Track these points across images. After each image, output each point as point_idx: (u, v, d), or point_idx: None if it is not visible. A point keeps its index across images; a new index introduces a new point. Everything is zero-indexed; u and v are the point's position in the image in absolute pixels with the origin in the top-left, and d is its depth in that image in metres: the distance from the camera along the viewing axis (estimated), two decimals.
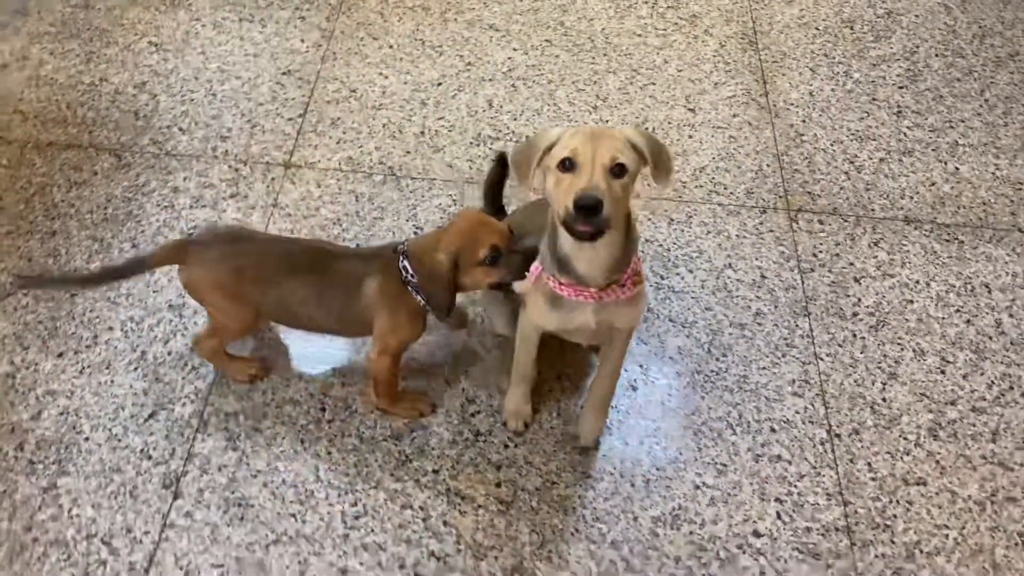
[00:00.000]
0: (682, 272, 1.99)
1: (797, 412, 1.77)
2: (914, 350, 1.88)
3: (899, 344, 1.89)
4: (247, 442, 1.65)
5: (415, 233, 2.03)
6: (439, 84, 2.39)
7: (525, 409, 1.71)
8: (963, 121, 2.37)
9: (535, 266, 1.44)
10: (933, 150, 2.29)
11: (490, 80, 2.40)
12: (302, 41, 2.48)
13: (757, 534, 1.60)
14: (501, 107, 2.33)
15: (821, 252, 2.05)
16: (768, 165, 2.23)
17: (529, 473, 1.64)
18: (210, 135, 2.22)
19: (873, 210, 2.14)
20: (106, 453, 1.63)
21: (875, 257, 2.04)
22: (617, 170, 1.26)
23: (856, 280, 2.00)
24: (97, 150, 2.17)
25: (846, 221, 2.12)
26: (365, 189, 2.12)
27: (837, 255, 2.05)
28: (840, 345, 1.88)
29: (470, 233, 1.47)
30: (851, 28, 2.64)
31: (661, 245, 2.03)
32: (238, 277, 1.46)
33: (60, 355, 1.77)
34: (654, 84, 2.42)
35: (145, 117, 2.26)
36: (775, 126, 2.33)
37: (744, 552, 1.57)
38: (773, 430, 1.74)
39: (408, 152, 2.21)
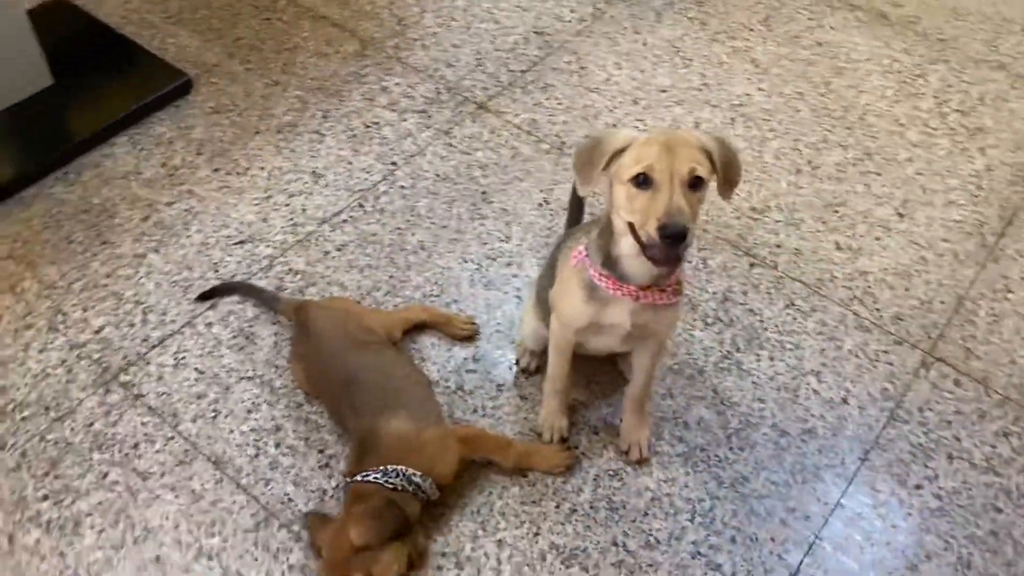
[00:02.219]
0: (762, 355, 1.89)
1: (773, 539, 1.63)
2: (960, 558, 1.62)
3: (946, 543, 1.64)
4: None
5: (540, 205, 2.14)
6: (663, 91, 2.45)
7: (561, 421, 1.72)
8: None
9: (579, 249, 1.44)
10: None
11: (714, 106, 2.42)
12: (572, 11, 2.67)
13: None
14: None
15: (931, 411, 1.81)
16: (942, 303, 2.00)
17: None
18: (440, 58, 2.53)
19: None
20: (192, 254, 2.01)
21: (992, 447, 1.77)
22: (695, 183, 1.25)
23: (949, 458, 1.75)
24: (352, 35, 2.58)
25: (988, 396, 1.84)
26: (527, 151, 2.28)
27: (948, 422, 1.80)
28: (875, 507, 1.68)
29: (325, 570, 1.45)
30: None
31: (761, 320, 1.94)
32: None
33: (215, 169, 2.19)
34: (879, 175, 2.26)
35: (404, 24, 2.62)
36: (985, 269, 2.07)
37: None
38: (733, 540, 1.63)
39: (588, 137, 2.33)
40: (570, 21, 2.64)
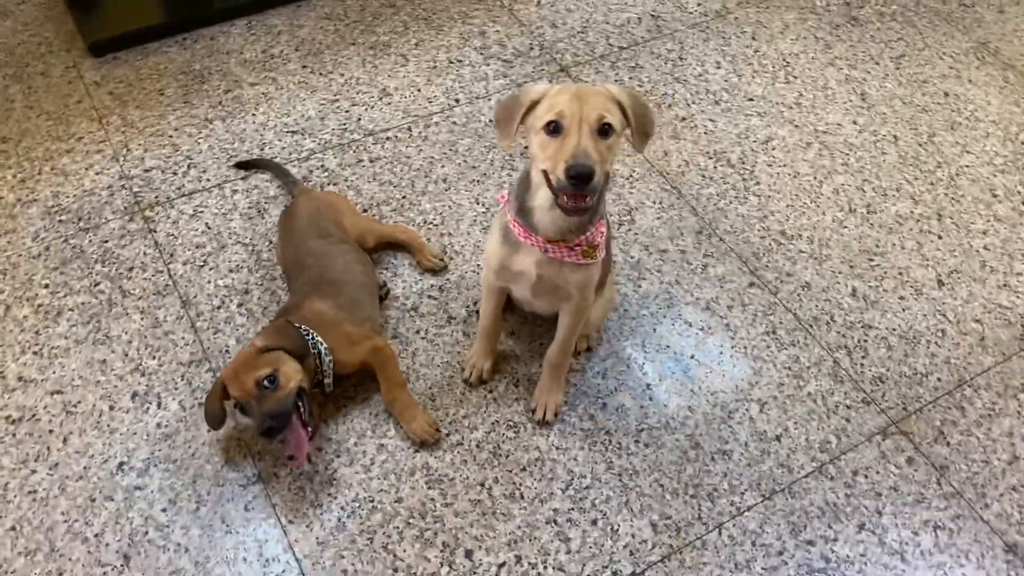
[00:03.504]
0: (715, 370, 1.87)
1: (633, 537, 1.64)
2: None
3: None
4: None
5: None
6: (750, 100, 2.42)
7: (484, 362, 1.77)
8: None
9: (503, 194, 1.52)
10: None
11: (796, 126, 2.35)
12: (699, 4, 2.67)
13: (468, 554, 1.60)
14: (772, 149, 2.30)
15: (866, 478, 1.73)
16: (939, 379, 1.87)
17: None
18: (548, 17, 2.62)
19: (986, 507, 1.70)
20: (250, 131, 2.26)
21: (915, 535, 1.66)
22: (604, 129, 1.28)
23: (860, 527, 1.67)
24: None
25: (938, 486, 1.73)
26: None
27: (879, 495, 1.71)
28: (753, 544, 1.63)
29: (232, 372, 1.55)
30: None
31: (733, 336, 1.91)
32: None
33: (304, 66, 2.43)
34: (940, 238, 2.12)
35: None
36: (1009, 362, 1.91)
37: (442, 550, 1.60)
38: (594, 522, 1.65)
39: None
40: (692, 12, 2.64)
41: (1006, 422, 1.79)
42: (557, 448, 1.71)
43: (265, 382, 1.51)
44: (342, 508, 1.60)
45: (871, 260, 2.04)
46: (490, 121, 2.28)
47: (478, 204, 2.10)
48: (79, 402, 1.72)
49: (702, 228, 2.08)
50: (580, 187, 1.24)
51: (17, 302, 1.87)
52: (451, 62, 2.43)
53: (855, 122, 2.34)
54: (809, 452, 1.72)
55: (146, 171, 2.12)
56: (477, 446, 1.70)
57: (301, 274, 1.75)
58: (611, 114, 1.29)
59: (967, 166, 2.26)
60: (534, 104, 1.33)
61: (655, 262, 2.00)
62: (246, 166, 2.11)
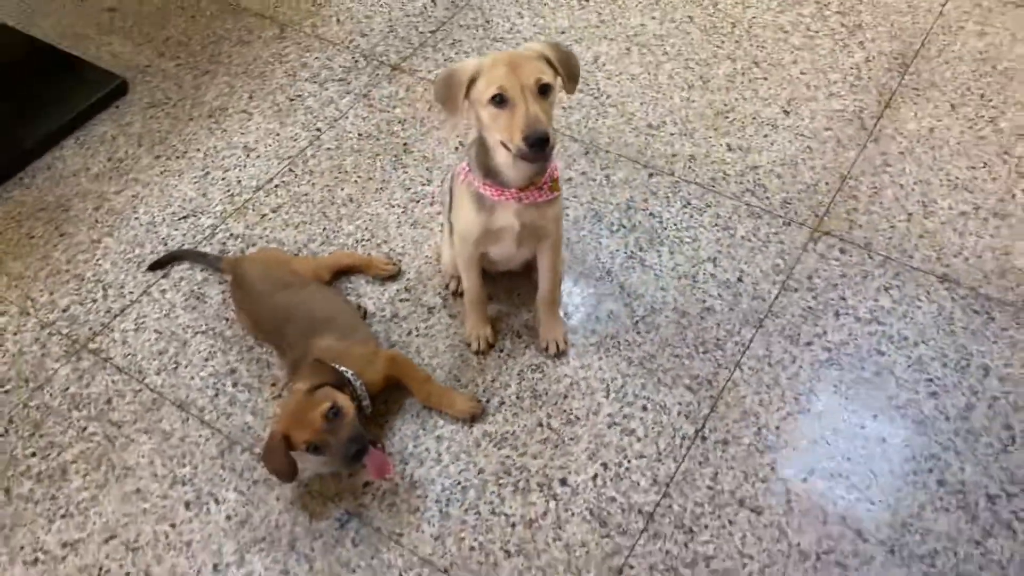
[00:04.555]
0: (662, 251, 2.10)
1: (679, 403, 1.84)
2: (845, 396, 1.83)
3: (835, 387, 1.85)
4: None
5: (457, 148, 2.35)
6: (563, 32, 2.65)
7: (484, 330, 1.90)
8: None
9: (462, 167, 1.61)
10: None
11: (611, 39, 2.61)
12: None
13: (563, 482, 1.74)
14: (603, 65, 2.55)
15: (819, 278, 2.02)
16: (827, 184, 2.21)
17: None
18: (354, 29, 2.73)
19: (911, 258, 2.04)
20: (142, 234, 2.22)
21: (876, 301, 1.97)
22: (543, 89, 1.41)
23: (836, 315, 1.96)
24: (271, 20, 2.78)
25: (871, 258, 2.05)
26: None
27: (835, 285, 2.01)
28: (771, 365, 1.89)
29: (291, 419, 1.58)
30: None
31: (661, 221, 2.15)
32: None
33: (156, 156, 2.40)
34: (765, 79, 2.46)
35: (318, 4, 2.82)
36: (865, 149, 2.27)
37: (541, 490, 1.73)
38: (644, 408, 1.84)
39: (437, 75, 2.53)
40: None
41: (889, 193, 2.17)
42: (581, 368, 1.89)
43: (330, 415, 1.58)
44: (437, 501, 1.70)
45: (727, 118, 2.36)
46: (361, 135, 2.38)
47: (393, 207, 2.21)
48: (138, 536, 1.70)
49: (587, 149, 2.31)
50: (540, 149, 1.38)
51: (14, 481, 1.79)
52: (292, 99, 2.50)
53: (653, 17, 2.66)
54: (768, 279, 2.01)
55: (64, 311, 2.06)
56: (517, 398, 1.85)
57: (288, 327, 1.80)
58: (545, 73, 1.41)
59: (753, 18, 2.63)
60: (472, 79, 1.44)
61: (567, 192, 2.21)
62: (160, 265, 2.11)
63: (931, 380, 1.82)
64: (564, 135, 2.33)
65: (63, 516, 1.73)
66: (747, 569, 1.60)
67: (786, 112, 2.36)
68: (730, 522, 1.65)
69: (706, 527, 1.65)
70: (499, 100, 1.40)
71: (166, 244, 2.16)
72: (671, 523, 1.65)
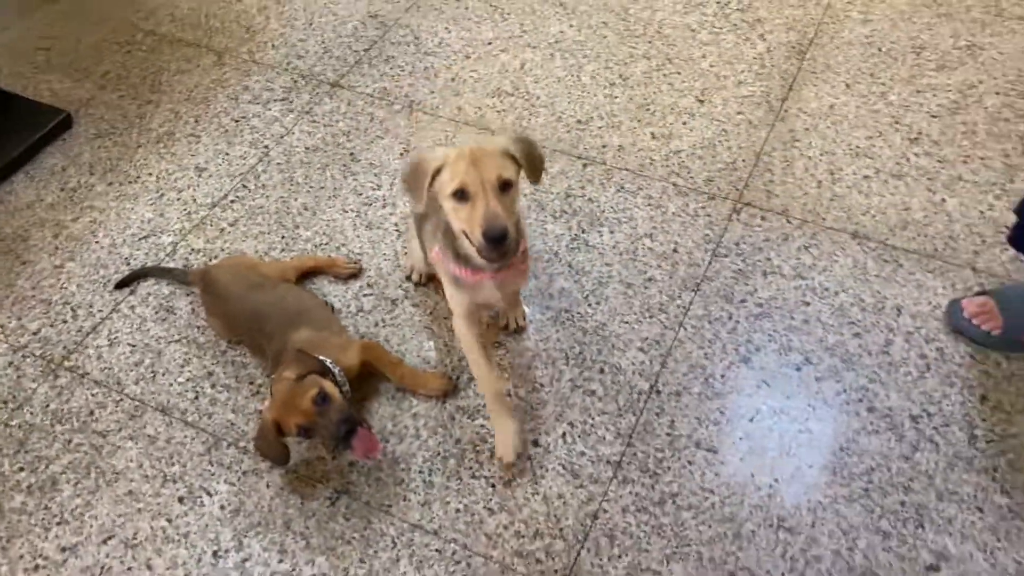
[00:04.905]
0: (603, 231, 2.27)
1: (633, 364, 2.01)
2: (781, 345, 2.02)
3: (771, 337, 2.04)
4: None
5: (402, 154, 2.50)
6: (489, 43, 2.83)
7: (501, 386, 1.80)
8: (983, 159, 2.37)
9: (435, 251, 1.69)
10: (929, 179, 2.34)
11: (534, 47, 2.80)
12: None
13: (535, 443, 1.89)
14: (530, 70, 2.73)
15: (745, 244, 2.22)
16: (744, 161, 2.42)
17: None
18: (290, 53, 2.85)
19: (824, 219, 2.27)
20: (104, 256, 2.29)
21: (797, 259, 2.18)
22: (504, 185, 1.45)
23: (764, 274, 2.16)
24: (207, 49, 2.89)
25: (789, 223, 2.27)
26: (382, 113, 2.63)
27: (760, 249, 2.21)
28: (710, 322, 2.07)
29: (282, 405, 1.67)
30: (917, 54, 2.68)
31: (599, 205, 2.33)
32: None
33: (109, 183, 2.48)
34: (679, 74, 2.68)
35: (252, 31, 2.94)
36: (774, 128, 2.50)
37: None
38: (602, 371, 2.00)
39: (432, 92, 2.69)
40: (399, 1, 3.00)
41: (799, 164, 2.40)
42: (541, 341, 2.05)
43: (318, 399, 1.70)
44: (420, 472, 1.83)
45: (648, 110, 2.57)
46: (308, 148, 2.50)
47: (347, 212, 2.34)
48: (136, 533, 1.77)
49: None
50: (499, 244, 1.42)
51: (5, 496, 1.84)
52: (237, 121, 2.61)
53: (571, 25, 2.87)
54: (700, 248, 2.21)
55: (35, 333, 2.12)
56: None
57: (265, 324, 1.92)
58: (506, 169, 1.46)
59: (662, 19, 2.87)
60: (437, 171, 1.49)
61: None
62: (127, 283, 2.19)
63: (853, 323, 2.03)
64: (502, 134, 2.49)
65: (59, 523, 1.78)
66: (709, 501, 1.77)
67: (700, 101, 2.58)
68: (689, 463, 1.82)
69: (669, 468, 1.81)
70: (461, 194, 1.45)
71: (129, 263, 2.24)
72: (637, 468, 1.81)
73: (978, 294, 2.01)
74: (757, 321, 2.04)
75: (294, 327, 1.87)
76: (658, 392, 1.93)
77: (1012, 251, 2.10)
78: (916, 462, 1.80)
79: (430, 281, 2.15)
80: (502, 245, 1.42)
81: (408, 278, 2.16)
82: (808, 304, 2.07)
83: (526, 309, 2.08)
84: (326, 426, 1.68)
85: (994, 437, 1.82)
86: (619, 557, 1.69)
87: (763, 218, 2.26)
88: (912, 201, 2.27)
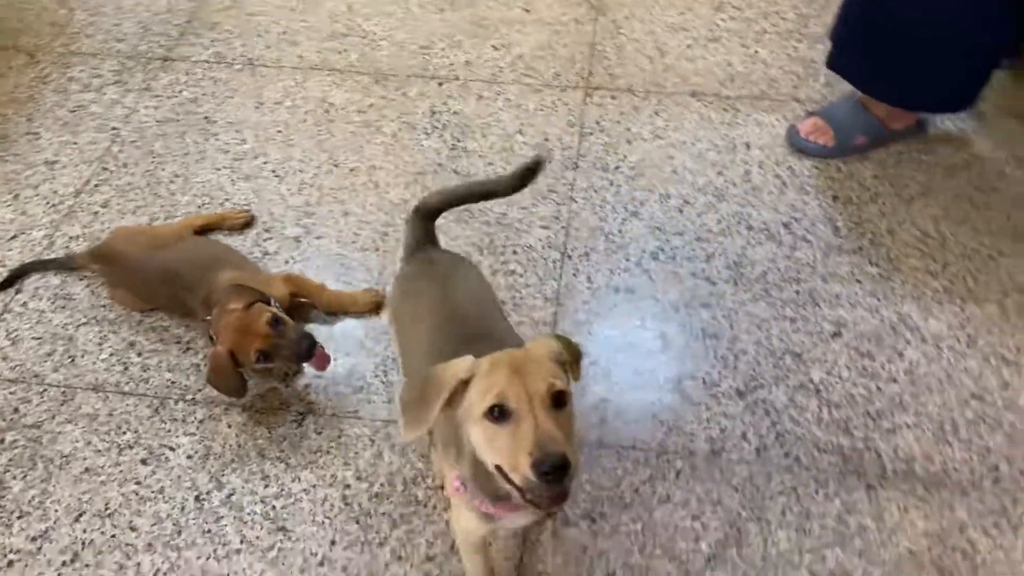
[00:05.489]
0: (477, 137, 2.40)
1: (540, 240, 2.16)
2: (661, 194, 2.24)
3: (649, 190, 2.25)
4: None
5: (257, 107, 2.50)
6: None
7: None
8: (778, 13, 2.70)
9: (456, 486, 1.22)
10: (739, 37, 2.63)
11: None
12: None
13: None
14: (359, 11, 2.80)
15: (604, 121, 2.43)
16: (581, 53, 2.62)
17: None
18: (108, 37, 2.77)
19: (664, 87, 2.51)
20: None
21: (652, 124, 2.41)
22: (558, 399, 1.04)
23: (628, 142, 2.37)
24: (16, 50, 2.74)
25: (636, 96, 2.49)
26: (224, 75, 2.62)
27: (618, 122, 2.42)
28: (596, 191, 2.26)
29: (236, 335, 1.67)
30: None
31: (466, 117, 2.45)
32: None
33: None
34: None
35: (59, 25, 2.82)
36: (598, 22, 2.71)
37: None
38: (515, 252, 2.14)
39: (268, 47, 2.70)
40: None
41: (628, 47, 2.64)
42: (451, 240, 2.16)
43: (273, 322, 1.74)
44: (375, 376, 1.91)
45: (481, 26, 2.72)
46: (159, 121, 2.47)
47: (220, 170, 2.35)
48: (107, 504, 1.75)
49: (376, 79, 2.58)
50: (559, 480, 0.98)
51: None
52: (73, 111, 2.53)
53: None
54: (567, 133, 2.40)
55: None
56: None
57: (182, 279, 1.90)
58: (559, 378, 1.05)
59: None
60: (462, 384, 1.07)
61: (374, 117, 2.46)
62: (9, 283, 2.10)
63: (713, 164, 2.30)
64: (351, 71, 2.57)
65: (19, 517, 1.73)
66: (640, 331, 1.97)
67: (527, 10, 2.77)
68: (614, 305, 2.02)
69: (597, 314, 2.00)
70: (498, 413, 1.03)
71: (5, 264, 2.14)
72: (570, 322, 1.98)
73: (808, 116, 2.32)
74: (635, 181, 2.26)
75: (214, 271, 1.88)
76: (569, 257, 2.10)
77: (823, 78, 2.43)
78: (797, 259, 2.08)
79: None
80: (560, 481, 0.99)
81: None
82: (672, 158, 2.32)
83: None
84: (287, 346, 1.72)
85: (852, 224, 2.13)
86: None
87: (613, 97, 2.48)
88: (732, 58, 2.56)
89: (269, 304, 1.78)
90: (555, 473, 0.97)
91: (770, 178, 2.24)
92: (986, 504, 1.66)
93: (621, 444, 1.76)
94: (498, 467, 1.04)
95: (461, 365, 1.07)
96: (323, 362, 1.77)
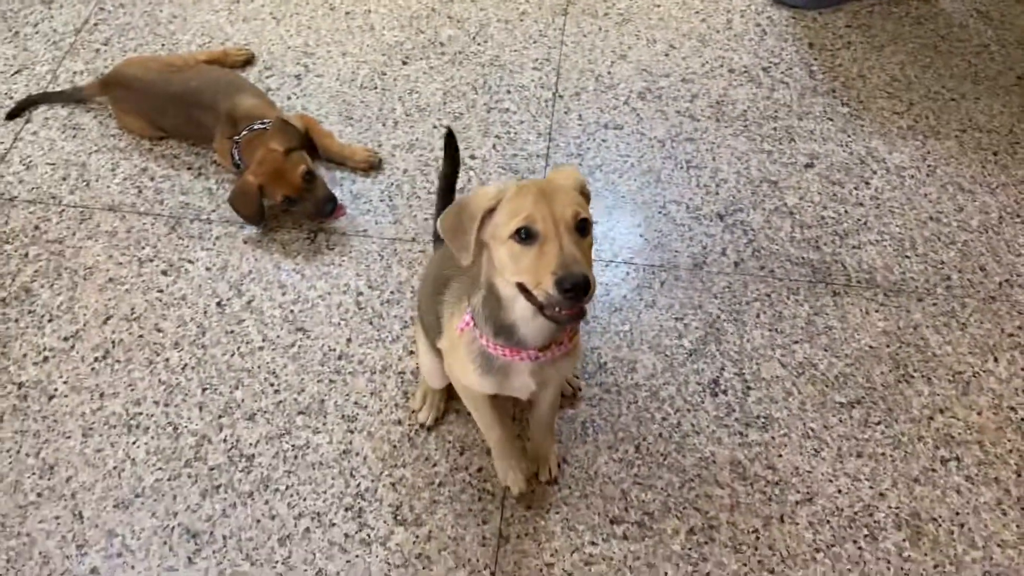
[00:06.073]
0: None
1: (532, 81, 2.26)
2: (648, 39, 2.34)
3: (636, 35, 2.35)
4: None
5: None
6: None
7: (520, 465, 1.52)
8: None
9: (466, 319, 1.28)
10: None
11: None
12: None
13: (473, 157, 2.11)
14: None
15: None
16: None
17: None
18: None
19: None
20: None
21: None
22: (581, 226, 1.09)
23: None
24: None
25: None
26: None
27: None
28: (585, 36, 2.35)
29: (271, 175, 1.80)
30: None
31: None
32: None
33: None
34: None
35: None
36: None
37: (463, 167, 2.09)
38: (508, 92, 2.23)
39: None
40: None
41: None
42: (445, 81, 2.26)
43: (307, 176, 1.84)
44: (382, 200, 2.02)
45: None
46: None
47: (218, 11, 2.38)
48: (133, 309, 1.85)
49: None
50: (578, 298, 1.05)
51: None
52: None
53: None
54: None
55: None
56: (406, 115, 2.19)
57: (200, 99, 1.96)
58: (584, 208, 1.10)
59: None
60: (490, 211, 1.12)
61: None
62: (18, 112, 2.15)
63: (697, 12, 2.40)
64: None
65: (49, 320, 1.83)
66: (628, 163, 2.10)
67: None
68: (603, 140, 2.14)
69: (588, 149, 2.12)
70: (525, 235, 1.07)
71: (11, 97, 2.19)
72: (562, 154, 2.11)
73: None
74: (623, 27, 2.36)
75: (232, 94, 1.95)
76: (560, 96, 2.21)
77: None
78: (775, 99, 2.21)
79: (443, 417, 1.70)
80: (581, 300, 1.05)
81: (415, 413, 1.69)
82: (659, 5, 2.42)
83: (559, 457, 1.64)
84: (312, 201, 1.85)
85: (826, 69, 2.27)
86: None
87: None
88: None
89: (310, 150, 1.87)
90: (576, 291, 1.03)
91: (751, 26, 2.35)
92: (938, 307, 1.85)
93: (610, 258, 1.91)
94: (520, 285, 1.11)
95: (487, 192, 1.13)
96: (339, 213, 1.88)
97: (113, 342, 1.79)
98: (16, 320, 1.81)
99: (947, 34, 2.34)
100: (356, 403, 1.69)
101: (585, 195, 1.16)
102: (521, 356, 1.23)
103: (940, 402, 1.69)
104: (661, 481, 1.60)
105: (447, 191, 1.58)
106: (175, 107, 1.98)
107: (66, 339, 1.79)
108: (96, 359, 1.76)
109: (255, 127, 1.87)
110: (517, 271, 1.09)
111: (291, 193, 1.82)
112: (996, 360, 1.74)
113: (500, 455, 1.51)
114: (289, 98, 2.19)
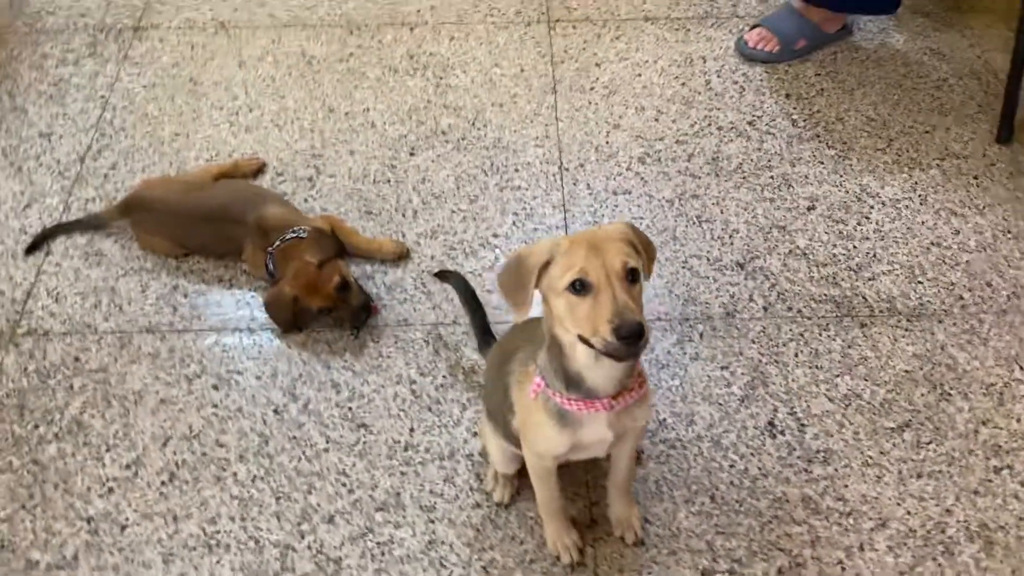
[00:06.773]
0: (458, 73, 2.56)
1: (537, 157, 2.34)
2: (636, 108, 2.46)
3: (624, 105, 2.47)
4: None
5: (240, 65, 2.58)
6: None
7: (570, 536, 1.59)
8: None
9: (536, 382, 1.33)
10: None
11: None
12: None
13: (495, 235, 2.18)
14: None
15: (571, 48, 2.62)
16: None
17: None
18: (73, 14, 2.78)
19: (619, 15, 2.72)
20: None
21: (615, 48, 2.62)
22: (631, 275, 1.17)
23: (597, 65, 2.58)
24: None
25: (595, 25, 2.69)
26: (199, 39, 2.68)
27: (584, 49, 2.62)
28: (576, 110, 2.46)
29: (305, 287, 1.83)
30: None
31: (441, 55, 2.60)
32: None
33: None
34: None
35: (17, 8, 2.81)
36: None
37: (484, 247, 2.15)
38: (516, 170, 2.32)
39: (236, 9, 2.78)
40: None
41: None
42: (454, 167, 2.34)
43: (340, 288, 1.87)
44: (415, 287, 2.08)
45: None
46: (146, 87, 2.54)
47: (218, 125, 2.43)
48: (190, 427, 1.85)
49: (351, 29, 2.70)
50: (633, 344, 1.13)
51: (37, 451, 1.82)
52: (56, 84, 2.56)
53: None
54: (539, 61, 2.59)
55: None
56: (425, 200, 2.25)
57: (228, 213, 2.00)
58: (632, 257, 1.17)
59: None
60: (545, 265, 1.20)
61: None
62: (36, 246, 2.15)
63: (676, 77, 2.54)
64: (323, 24, 2.68)
65: (107, 450, 1.81)
66: (643, 224, 2.18)
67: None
68: (615, 205, 2.23)
69: (603, 216, 2.21)
70: (579, 287, 1.15)
71: (26, 232, 2.19)
72: (580, 223, 2.19)
73: (753, 27, 2.59)
74: (610, 98, 2.48)
75: (259, 205, 1.99)
76: (566, 169, 2.31)
77: None
78: (766, 149, 2.34)
79: (518, 494, 1.70)
80: (636, 345, 1.13)
81: (489, 495, 1.71)
82: (640, 75, 2.54)
83: (642, 518, 1.66)
84: (347, 311, 1.89)
85: (806, 116, 2.42)
86: None
87: (574, 27, 2.69)
88: None
89: (343, 256, 1.92)
90: (632, 337, 1.11)
91: (729, 84, 2.50)
92: (958, 326, 1.96)
93: (649, 317, 1.98)
94: (580, 336, 1.18)
95: (541, 248, 1.20)
96: (374, 312, 1.93)
97: (177, 463, 1.77)
98: (73, 454, 1.79)
99: (907, 72, 2.51)
100: (431, 492, 1.70)
101: (639, 243, 1.23)
102: (595, 407, 1.28)
103: (981, 415, 1.78)
104: (741, 527, 1.64)
105: (484, 331, 1.77)
106: (203, 225, 2.01)
107: (128, 466, 1.77)
108: (163, 482, 1.75)
109: (287, 237, 1.91)
110: (575, 322, 1.16)
111: (325, 305, 1.87)
112: (1021, 368, 1.85)
113: (551, 524, 1.58)
114: (306, 200, 2.23)
